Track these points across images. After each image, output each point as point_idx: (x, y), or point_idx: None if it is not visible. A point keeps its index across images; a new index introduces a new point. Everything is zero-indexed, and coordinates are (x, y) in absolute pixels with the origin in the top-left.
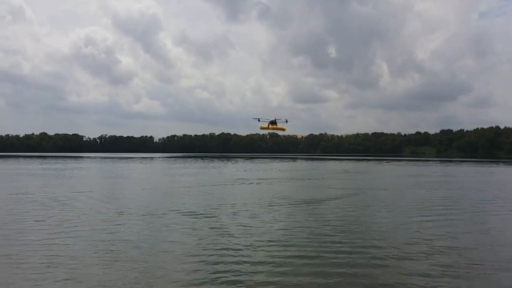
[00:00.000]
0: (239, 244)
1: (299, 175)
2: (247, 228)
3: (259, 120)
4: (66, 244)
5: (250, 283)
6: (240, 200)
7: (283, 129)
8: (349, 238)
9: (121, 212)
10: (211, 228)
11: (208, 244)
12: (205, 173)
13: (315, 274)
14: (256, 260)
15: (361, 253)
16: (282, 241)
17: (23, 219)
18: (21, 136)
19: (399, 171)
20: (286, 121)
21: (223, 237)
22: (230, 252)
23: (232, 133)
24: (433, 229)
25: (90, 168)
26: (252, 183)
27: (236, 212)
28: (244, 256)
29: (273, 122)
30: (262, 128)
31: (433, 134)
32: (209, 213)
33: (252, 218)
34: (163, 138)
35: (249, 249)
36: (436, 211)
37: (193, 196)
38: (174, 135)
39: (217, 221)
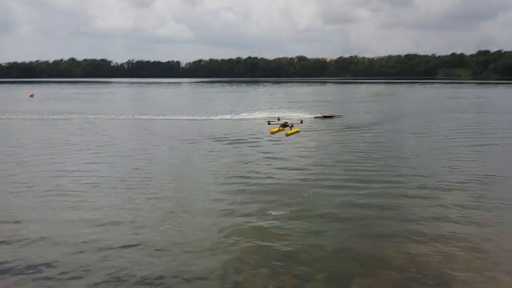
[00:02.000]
0: (261, 171)
1: (327, 99)
2: (269, 154)
3: (269, 123)
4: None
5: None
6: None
7: (298, 131)
8: (378, 166)
9: (156, 137)
10: (240, 153)
11: (239, 169)
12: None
13: (342, 205)
14: (278, 188)
15: (391, 183)
16: (307, 167)
17: (60, 143)
18: (50, 62)
19: (431, 94)
20: (301, 122)
21: (246, 164)
22: (251, 180)
23: (259, 57)
24: (466, 156)
25: (131, 93)
26: (280, 108)
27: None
28: (263, 183)
29: (285, 125)
30: (272, 132)
31: (469, 56)
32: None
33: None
34: (189, 63)
35: (271, 176)
36: (468, 136)
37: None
38: (201, 60)
39: (240, 148)
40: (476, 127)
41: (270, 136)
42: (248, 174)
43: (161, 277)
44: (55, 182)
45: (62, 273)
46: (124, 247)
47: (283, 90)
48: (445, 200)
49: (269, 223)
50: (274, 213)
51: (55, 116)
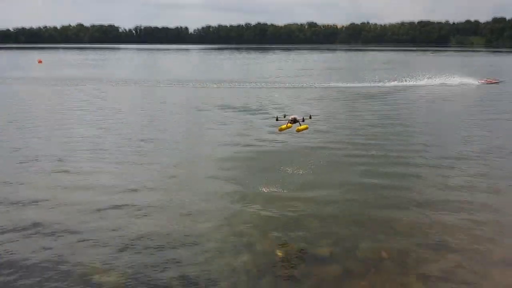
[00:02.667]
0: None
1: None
2: None
3: (277, 119)
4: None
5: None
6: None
7: (306, 128)
8: (388, 135)
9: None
10: (248, 119)
11: (248, 129)
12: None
13: (350, 173)
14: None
15: (400, 152)
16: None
17: (68, 110)
18: (58, 27)
19: (443, 61)
20: (310, 117)
21: (252, 129)
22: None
23: (268, 23)
24: (476, 128)
25: (140, 58)
26: (289, 76)
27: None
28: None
29: (295, 120)
30: (281, 129)
31: (483, 23)
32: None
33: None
34: (198, 29)
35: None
36: (477, 106)
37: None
38: (209, 26)
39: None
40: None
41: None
42: (255, 142)
43: (167, 238)
44: (61, 150)
45: (68, 233)
46: (133, 210)
47: (292, 57)
48: (455, 170)
49: (275, 191)
50: (282, 180)
51: (63, 82)
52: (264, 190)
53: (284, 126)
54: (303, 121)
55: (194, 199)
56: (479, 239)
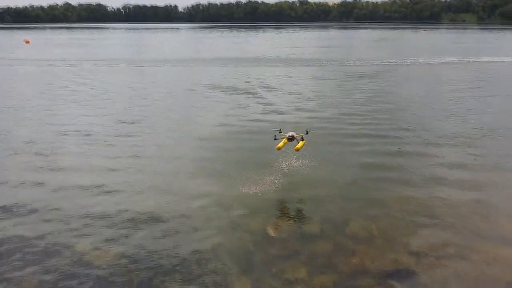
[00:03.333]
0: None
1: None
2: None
3: (275, 139)
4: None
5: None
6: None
7: (304, 143)
8: (381, 114)
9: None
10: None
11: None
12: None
13: (342, 152)
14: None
15: (394, 130)
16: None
17: (56, 91)
18: (45, 7)
19: (436, 39)
20: (307, 132)
21: (244, 109)
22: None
23: (259, 1)
24: (467, 104)
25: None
26: (279, 54)
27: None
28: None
29: (292, 138)
30: (279, 148)
31: (476, 1)
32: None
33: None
34: (187, 7)
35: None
36: (467, 82)
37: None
38: (199, 4)
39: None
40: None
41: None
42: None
43: (158, 217)
44: (50, 132)
45: (62, 216)
46: (122, 191)
47: (283, 35)
48: (445, 149)
49: (266, 171)
50: (272, 160)
51: (51, 63)
52: (254, 170)
53: (281, 144)
54: (302, 139)
55: (184, 179)
56: (468, 216)
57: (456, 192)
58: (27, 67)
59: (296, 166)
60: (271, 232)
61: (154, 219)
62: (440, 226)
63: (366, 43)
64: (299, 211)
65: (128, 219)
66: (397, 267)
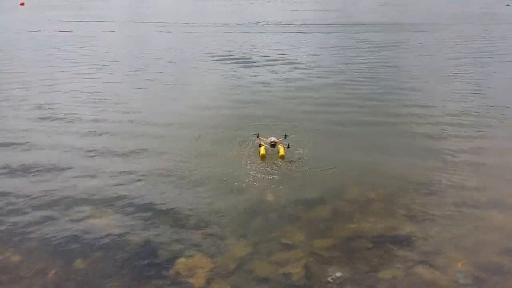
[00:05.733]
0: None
1: None
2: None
3: (258, 136)
4: None
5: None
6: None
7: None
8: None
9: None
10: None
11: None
12: None
13: (342, 120)
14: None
15: (394, 95)
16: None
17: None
18: None
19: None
20: (285, 137)
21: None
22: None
23: None
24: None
25: None
26: None
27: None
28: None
29: (274, 144)
30: (263, 157)
31: None
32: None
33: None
34: None
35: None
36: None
37: None
38: None
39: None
40: None
41: None
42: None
43: (157, 180)
44: (47, 98)
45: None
46: (123, 155)
47: None
48: (447, 115)
49: (263, 139)
50: (269, 127)
51: (49, 26)
52: (251, 138)
53: (263, 151)
54: (288, 146)
55: (183, 144)
56: (468, 183)
57: (457, 160)
58: (23, 31)
59: (292, 132)
60: (270, 197)
61: (153, 180)
62: (439, 194)
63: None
64: (298, 177)
65: (128, 180)
66: (394, 232)
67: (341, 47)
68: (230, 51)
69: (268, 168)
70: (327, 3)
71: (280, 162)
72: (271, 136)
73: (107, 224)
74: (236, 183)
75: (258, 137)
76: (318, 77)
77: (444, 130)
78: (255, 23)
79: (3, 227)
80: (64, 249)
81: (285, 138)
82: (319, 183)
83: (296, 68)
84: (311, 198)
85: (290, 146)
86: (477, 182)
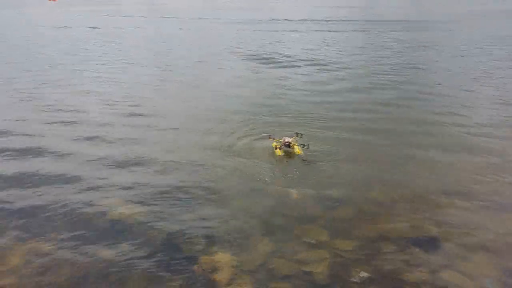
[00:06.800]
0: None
1: None
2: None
3: (270, 137)
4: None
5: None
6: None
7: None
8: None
9: None
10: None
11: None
12: None
13: (365, 117)
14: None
15: (412, 84)
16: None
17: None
18: None
19: None
20: (297, 134)
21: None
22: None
23: None
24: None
25: None
26: None
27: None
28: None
29: (289, 145)
30: (280, 157)
31: None
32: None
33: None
34: None
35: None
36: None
37: None
38: None
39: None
40: None
41: None
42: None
43: (179, 178)
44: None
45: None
46: (142, 151)
47: None
48: (477, 116)
49: (287, 134)
50: (293, 123)
51: (79, 23)
52: (275, 133)
53: (280, 152)
54: (308, 147)
55: (206, 138)
56: (496, 186)
57: (484, 161)
58: (53, 29)
59: (318, 129)
60: (292, 196)
61: (174, 177)
62: (466, 196)
63: None
64: (322, 174)
65: (147, 179)
66: (419, 234)
67: (367, 46)
68: (254, 50)
69: (288, 168)
70: None
71: (299, 162)
72: (284, 137)
73: (133, 218)
74: (257, 182)
75: (270, 138)
76: (342, 79)
77: (472, 133)
78: (277, 20)
79: (36, 220)
80: (91, 241)
81: (297, 136)
82: (341, 183)
83: (320, 70)
84: (333, 197)
85: (309, 147)
86: (506, 187)
